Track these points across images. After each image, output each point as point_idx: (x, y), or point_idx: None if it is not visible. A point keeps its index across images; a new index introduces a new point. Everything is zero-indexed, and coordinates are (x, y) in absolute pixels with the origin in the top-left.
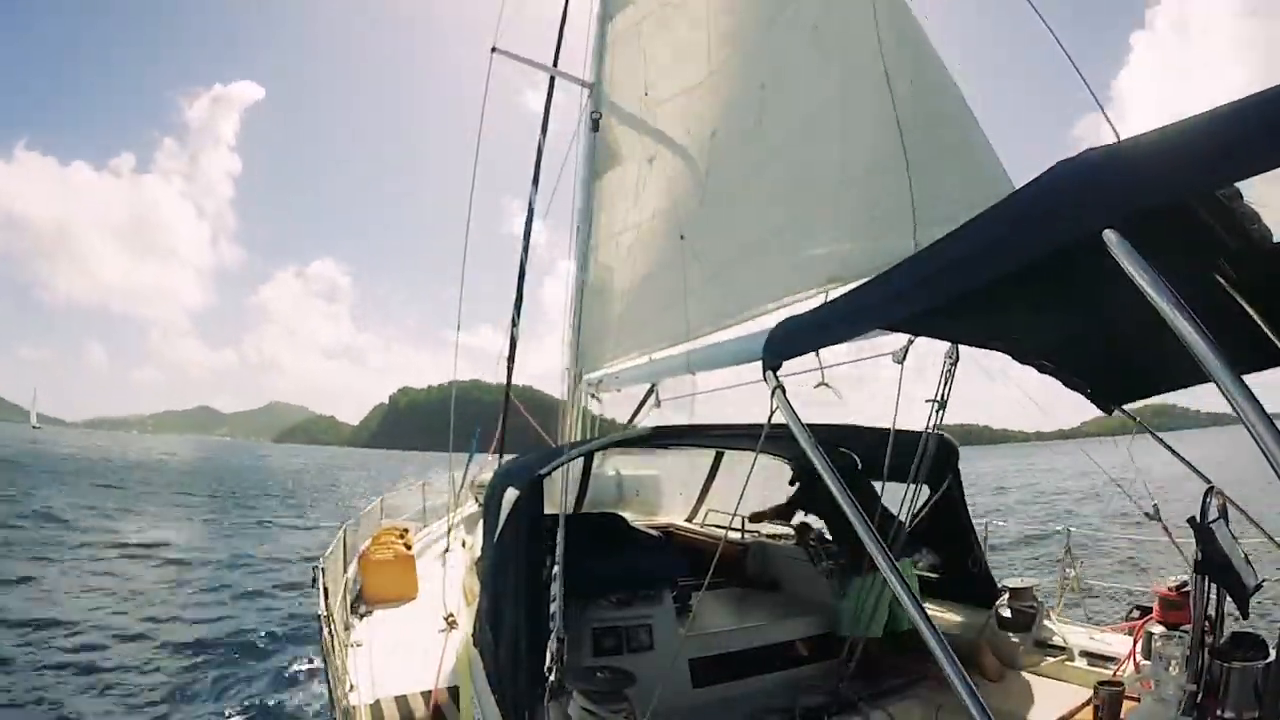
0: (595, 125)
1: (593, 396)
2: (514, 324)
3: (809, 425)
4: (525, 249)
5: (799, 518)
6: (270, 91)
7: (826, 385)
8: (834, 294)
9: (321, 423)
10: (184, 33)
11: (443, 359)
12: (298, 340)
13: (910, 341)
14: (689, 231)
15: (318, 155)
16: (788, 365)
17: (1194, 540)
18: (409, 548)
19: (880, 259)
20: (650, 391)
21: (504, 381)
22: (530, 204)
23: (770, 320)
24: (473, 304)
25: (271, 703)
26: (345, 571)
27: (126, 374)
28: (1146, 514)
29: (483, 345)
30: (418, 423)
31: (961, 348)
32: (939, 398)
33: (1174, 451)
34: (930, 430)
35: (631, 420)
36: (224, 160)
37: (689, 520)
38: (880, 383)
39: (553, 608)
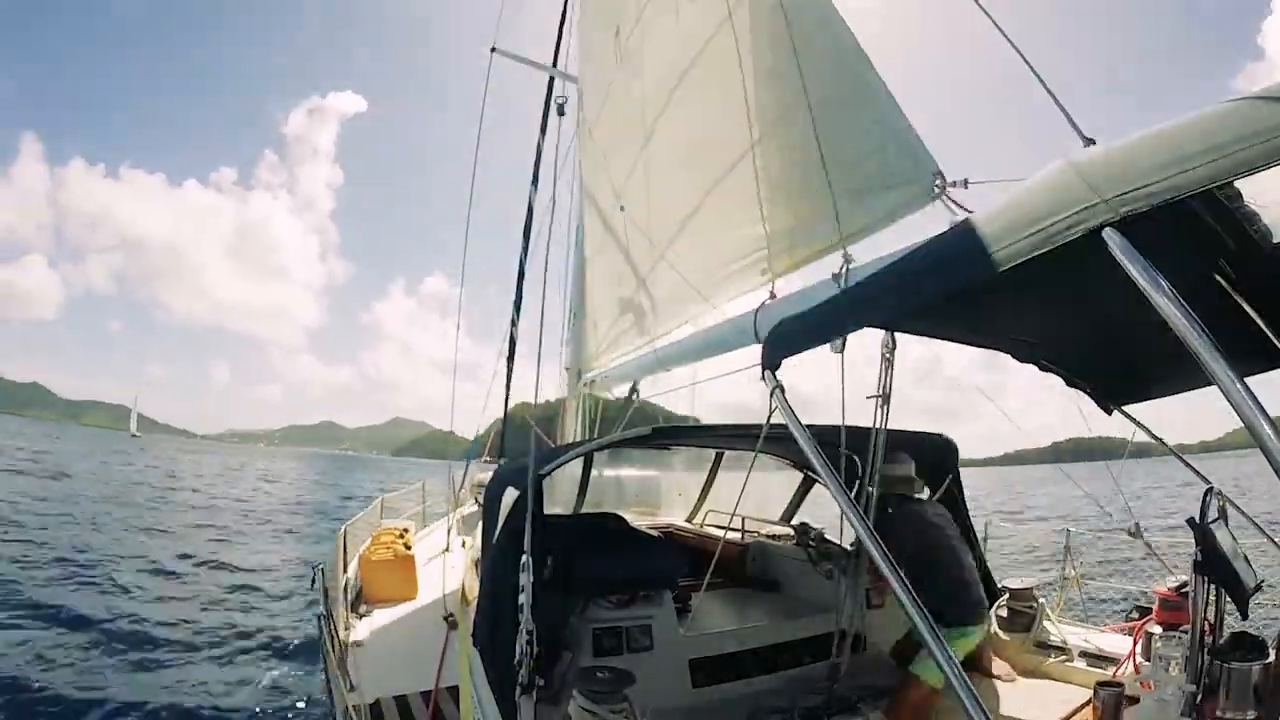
0: (560, 110)
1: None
2: (513, 324)
3: (808, 426)
4: (525, 248)
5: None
6: (370, 102)
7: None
8: (780, 286)
9: (439, 436)
10: (283, 41)
11: (557, 372)
12: (414, 356)
13: (857, 331)
14: (628, 225)
15: (419, 166)
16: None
17: (1193, 541)
18: (409, 548)
19: (802, 238)
20: (633, 389)
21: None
22: (529, 204)
23: (719, 315)
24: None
25: (271, 702)
26: (345, 571)
27: (251, 390)
28: (1129, 532)
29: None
30: (529, 436)
31: (900, 336)
32: (881, 391)
33: (1175, 453)
34: (879, 426)
35: (622, 421)
36: (325, 173)
37: (689, 520)
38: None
39: (521, 599)
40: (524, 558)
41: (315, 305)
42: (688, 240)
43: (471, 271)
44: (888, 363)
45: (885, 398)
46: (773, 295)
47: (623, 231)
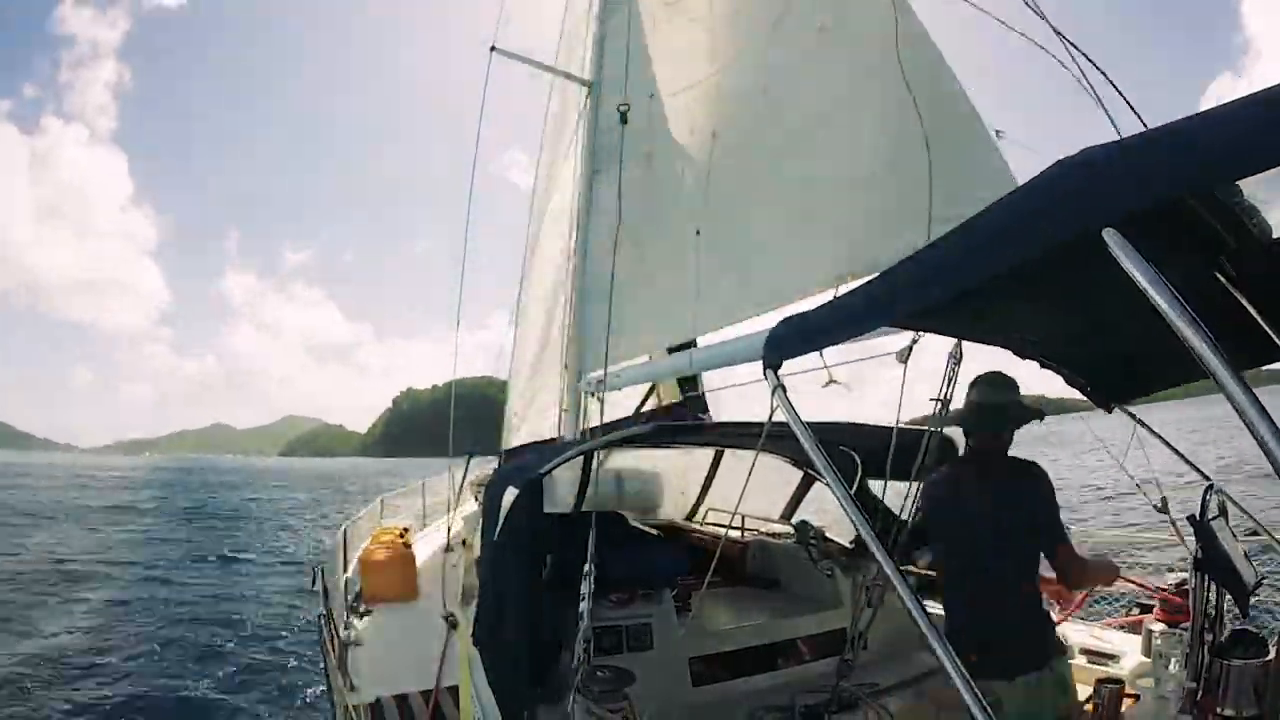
0: (624, 118)
1: (593, 395)
2: (516, 325)
3: (810, 424)
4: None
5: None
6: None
7: (836, 382)
8: (838, 292)
9: (329, 432)
10: None
11: (445, 351)
12: (287, 341)
13: (914, 340)
14: (692, 231)
15: (249, 88)
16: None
17: (1194, 538)
18: (409, 547)
19: (884, 261)
20: (651, 391)
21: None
22: (532, 203)
23: (773, 319)
24: (476, 289)
25: (270, 702)
26: (345, 571)
27: (120, 392)
28: (1155, 506)
29: (494, 338)
30: (423, 425)
31: (966, 347)
32: (943, 396)
33: (1174, 449)
34: (934, 430)
35: (633, 419)
36: (116, 91)
37: (689, 519)
38: (884, 383)
39: (582, 607)
40: (587, 566)
41: (152, 276)
42: (762, 258)
43: (327, 237)
44: (953, 369)
45: (945, 403)
46: None
47: (680, 241)
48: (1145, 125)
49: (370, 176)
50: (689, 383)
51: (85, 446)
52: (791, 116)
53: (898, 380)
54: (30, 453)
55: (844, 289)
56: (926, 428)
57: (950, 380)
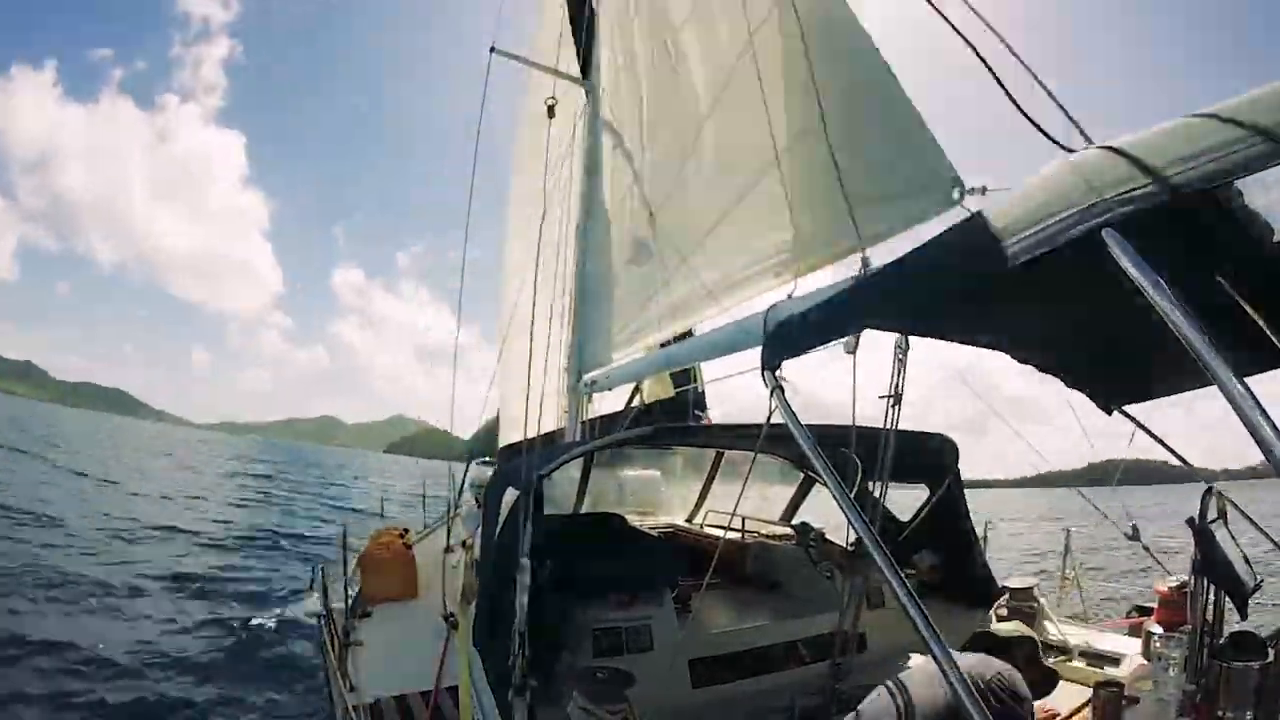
0: (550, 112)
1: (586, 397)
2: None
3: (809, 425)
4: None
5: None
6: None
7: (785, 380)
8: (803, 283)
9: (432, 436)
10: None
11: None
12: (395, 340)
13: (859, 332)
14: (655, 220)
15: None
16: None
17: (1192, 541)
18: (409, 548)
19: (822, 241)
20: (635, 390)
21: None
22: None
23: (742, 310)
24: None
25: (270, 703)
26: (345, 571)
27: (236, 376)
28: (1125, 534)
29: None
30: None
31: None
32: (893, 391)
33: (1173, 451)
34: (889, 427)
35: (622, 421)
36: (223, 61)
37: (689, 520)
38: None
39: (520, 599)
40: (522, 559)
41: (265, 260)
42: (711, 243)
43: (434, 237)
44: (900, 363)
45: (897, 398)
46: (790, 298)
47: (642, 234)
48: (1089, 141)
49: (486, 177)
50: (682, 379)
51: (195, 422)
52: (700, 80)
53: (822, 372)
54: (142, 420)
55: (804, 281)
56: (885, 426)
57: (899, 374)
